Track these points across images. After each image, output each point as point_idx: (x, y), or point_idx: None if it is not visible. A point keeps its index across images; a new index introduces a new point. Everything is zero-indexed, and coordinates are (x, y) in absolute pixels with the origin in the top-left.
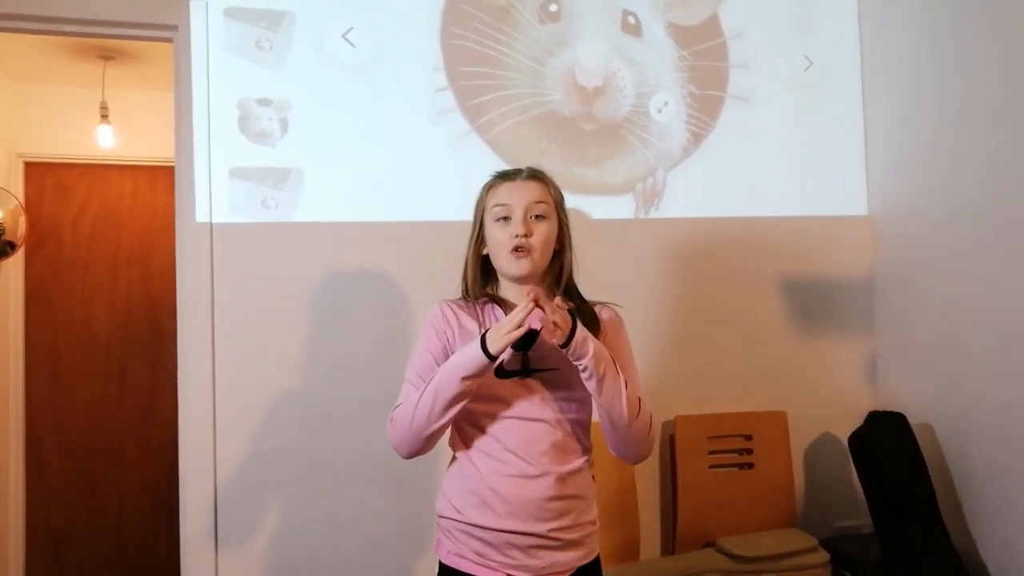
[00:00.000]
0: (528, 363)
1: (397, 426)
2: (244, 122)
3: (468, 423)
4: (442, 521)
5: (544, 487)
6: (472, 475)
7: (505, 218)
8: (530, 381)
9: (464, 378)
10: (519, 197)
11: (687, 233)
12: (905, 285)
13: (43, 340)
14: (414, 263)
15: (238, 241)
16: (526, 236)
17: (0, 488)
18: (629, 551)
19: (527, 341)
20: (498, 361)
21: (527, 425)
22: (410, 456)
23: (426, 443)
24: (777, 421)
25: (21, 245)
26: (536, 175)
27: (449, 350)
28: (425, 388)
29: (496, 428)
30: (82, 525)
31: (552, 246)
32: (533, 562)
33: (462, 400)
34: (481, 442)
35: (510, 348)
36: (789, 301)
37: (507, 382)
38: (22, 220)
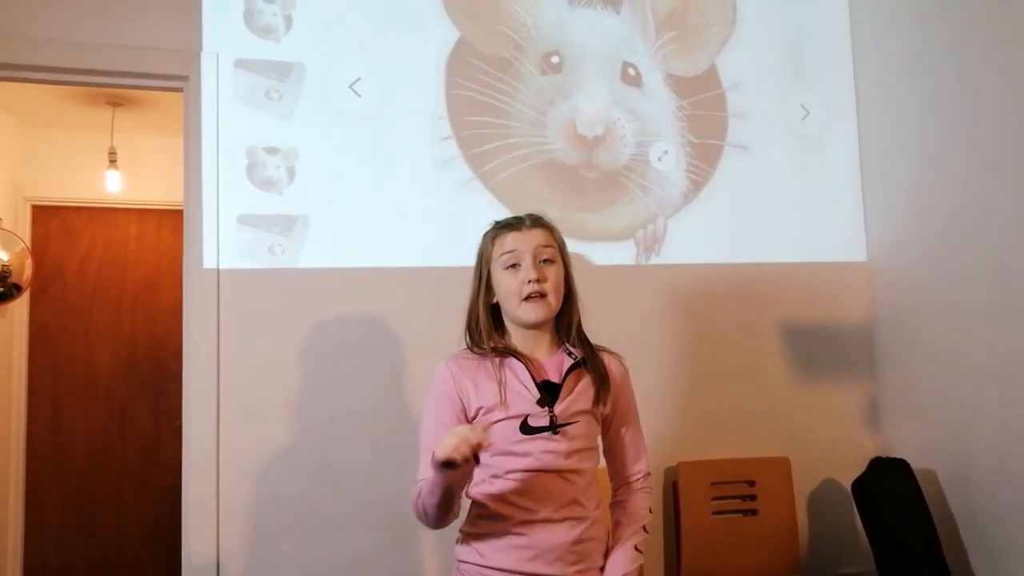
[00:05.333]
0: (555, 419)
1: (417, 510)
2: (252, 170)
3: (492, 474)
4: (463, 566)
5: (568, 532)
6: (497, 521)
7: (514, 265)
8: (555, 435)
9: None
10: (526, 243)
11: (688, 279)
12: (905, 330)
13: (45, 383)
14: (418, 309)
15: (245, 287)
16: (539, 281)
17: None
18: None
19: (552, 396)
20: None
21: (552, 477)
22: (437, 529)
23: (446, 522)
24: (780, 467)
25: (27, 288)
26: (539, 222)
27: (465, 412)
28: (423, 485)
29: (521, 479)
30: (81, 568)
31: (563, 290)
32: None
33: (453, 494)
34: (506, 492)
35: (535, 404)
36: (790, 346)
37: (532, 437)
38: (28, 263)
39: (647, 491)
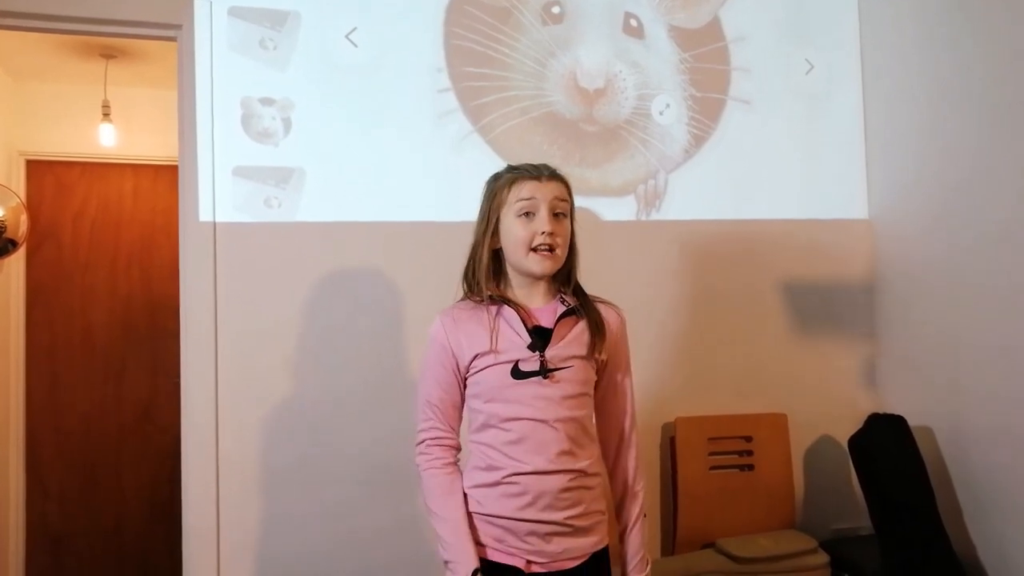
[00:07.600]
0: (545, 363)
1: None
2: (247, 121)
3: (484, 423)
4: None
5: (560, 480)
6: (491, 471)
7: (528, 213)
8: (546, 380)
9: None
10: (544, 193)
11: (688, 235)
12: (905, 288)
13: (42, 341)
14: (416, 263)
15: (241, 241)
16: (552, 235)
17: (0, 489)
18: None
19: (544, 341)
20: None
21: (544, 425)
22: None
23: None
24: (777, 423)
25: (22, 243)
26: (557, 175)
27: (458, 365)
28: (438, 514)
29: (514, 428)
30: (81, 527)
31: (568, 245)
32: (550, 548)
33: None
34: (500, 442)
35: (526, 349)
36: (790, 303)
37: (524, 382)
38: (23, 218)
39: (634, 445)
